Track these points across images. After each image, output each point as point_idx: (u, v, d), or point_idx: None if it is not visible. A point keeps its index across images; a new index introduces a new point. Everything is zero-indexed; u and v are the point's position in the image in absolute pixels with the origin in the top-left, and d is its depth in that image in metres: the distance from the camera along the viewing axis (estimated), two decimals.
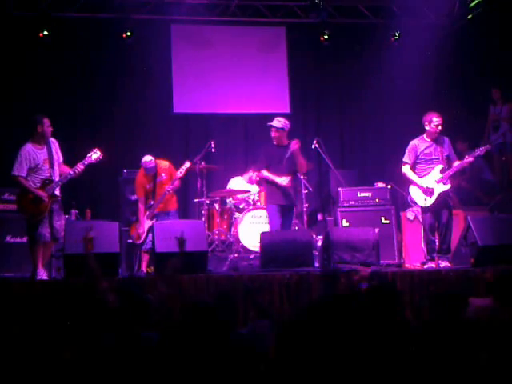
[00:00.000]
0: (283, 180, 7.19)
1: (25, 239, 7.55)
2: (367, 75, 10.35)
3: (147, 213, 7.60)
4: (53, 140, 6.80)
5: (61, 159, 6.84)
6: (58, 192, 6.72)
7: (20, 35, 9.35)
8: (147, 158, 7.65)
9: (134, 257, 7.77)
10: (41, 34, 9.30)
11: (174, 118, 10.25)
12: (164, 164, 7.75)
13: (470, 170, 9.04)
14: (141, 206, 7.69)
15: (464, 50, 10.05)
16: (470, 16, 9.92)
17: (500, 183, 9.43)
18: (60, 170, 6.77)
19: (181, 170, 7.55)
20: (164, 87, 10.13)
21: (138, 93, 9.95)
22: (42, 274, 6.49)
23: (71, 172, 6.67)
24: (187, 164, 7.62)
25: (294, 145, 7.22)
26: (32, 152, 6.60)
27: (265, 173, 7.31)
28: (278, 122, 7.31)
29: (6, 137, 9.06)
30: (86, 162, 6.66)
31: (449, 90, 10.26)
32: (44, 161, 6.63)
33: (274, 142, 7.38)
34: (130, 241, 7.73)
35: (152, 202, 7.61)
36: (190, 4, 9.75)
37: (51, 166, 6.65)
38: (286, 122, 7.38)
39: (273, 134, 7.35)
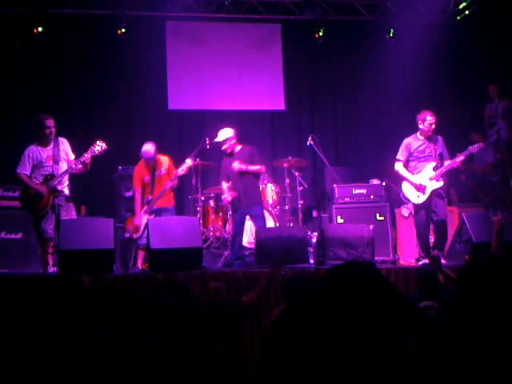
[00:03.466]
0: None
1: (19, 235, 7.56)
2: (362, 72, 10.35)
3: (145, 207, 7.39)
4: (62, 139, 6.80)
5: (71, 157, 6.79)
6: (64, 188, 6.68)
7: (14, 31, 9.30)
8: (147, 147, 7.38)
9: (129, 253, 7.72)
10: (35, 31, 9.25)
11: (169, 114, 10.23)
12: (164, 159, 7.55)
13: (480, 170, 9.14)
14: (138, 197, 7.43)
15: (459, 47, 10.06)
16: (462, 14, 9.96)
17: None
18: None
19: (182, 167, 7.34)
20: (159, 84, 10.11)
21: (133, 89, 9.93)
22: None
23: (73, 165, 6.65)
24: (189, 161, 7.40)
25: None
26: (35, 150, 6.64)
27: None
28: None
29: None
30: (90, 154, 6.60)
31: (444, 88, 10.27)
32: (47, 158, 6.63)
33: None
34: (127, 235, 7.49)
35: (150, 197, 7.39)
36: (185, 1, 9.73)
37: (55, 162, 6.63)
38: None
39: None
